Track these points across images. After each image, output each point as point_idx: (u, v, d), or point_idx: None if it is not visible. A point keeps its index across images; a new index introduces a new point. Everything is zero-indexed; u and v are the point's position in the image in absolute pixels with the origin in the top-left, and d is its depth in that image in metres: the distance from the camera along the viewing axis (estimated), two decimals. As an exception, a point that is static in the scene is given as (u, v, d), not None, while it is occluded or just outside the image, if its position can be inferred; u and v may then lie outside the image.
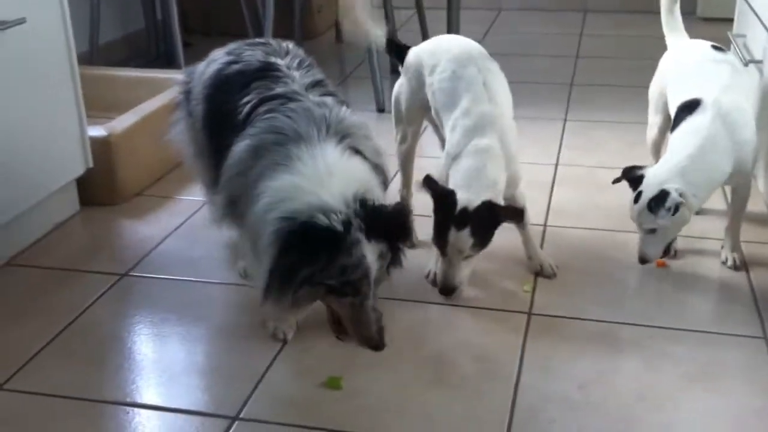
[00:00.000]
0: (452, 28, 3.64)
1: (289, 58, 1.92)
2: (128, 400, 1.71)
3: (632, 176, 2.09)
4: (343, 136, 1.70)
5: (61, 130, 2.36)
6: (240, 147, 1.73)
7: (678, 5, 2.42)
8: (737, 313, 1.96)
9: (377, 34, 2.26)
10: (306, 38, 4.22)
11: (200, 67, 2.03)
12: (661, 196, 1.98)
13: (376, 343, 1.63)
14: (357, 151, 1.71)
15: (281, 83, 1.82)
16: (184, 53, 3.47)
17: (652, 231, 2.03)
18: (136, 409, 1.69)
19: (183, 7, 4.32)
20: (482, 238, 1.92)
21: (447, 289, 1.96)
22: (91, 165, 2.47)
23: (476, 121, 1.98)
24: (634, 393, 1.69)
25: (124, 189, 2.57)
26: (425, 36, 4.23)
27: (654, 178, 2.02)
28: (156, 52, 4.01)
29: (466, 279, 1.98)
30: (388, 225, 1.62)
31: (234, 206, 1.76)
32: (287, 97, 1.78)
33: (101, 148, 2.48)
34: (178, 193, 2.63)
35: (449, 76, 2.07)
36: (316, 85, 1.86)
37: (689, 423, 1.61)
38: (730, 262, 2.14)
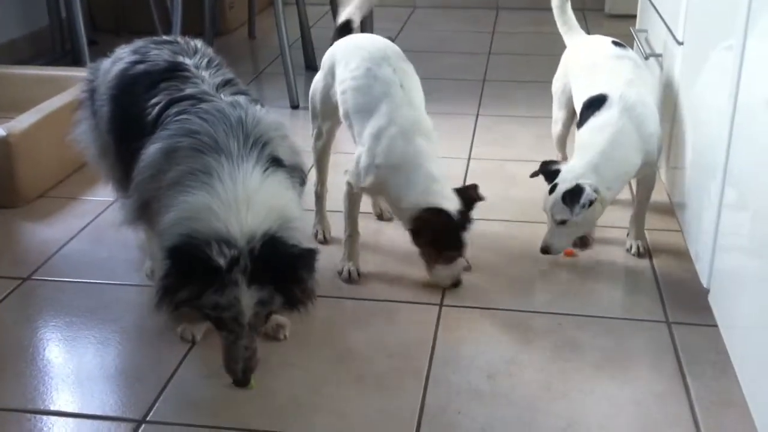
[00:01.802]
0: (366, 25, 3.63)
1: (198, 57, 1.87)
2: (30, 406, 1.66)
3: (548, 170, 2.12)
4: (263, 144, 1.64)
5: (-43, 131, 2.27)
6: (152, 150, 1.68)
7: (569, 3, 2.48)
8: (641, 299, 2.01)
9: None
10: (218, 35, 4.16)
11: (105, 64, 1.97)
12: (576, 191, 2.02)
13: (237, 379, 1.57)
14: (276, 161, 1.64)
15: (191, 84, 1.78)
16: (90, 51, 3.38)
17: (563, 223, 2.07)
18: (38, 416, 1.63)
19: (90, 5, 4.21)
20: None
21: None
22: (-11, 165, 2.38)
23: (404, 127, 1.97)
24: (542, 382, 1.72)
25: (26, 190, 2.49)
26: (339, 33, 4.23)
27: (569, 173, 2.06)
28: (61, 51, 3.90)
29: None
30: (281, 271, 1.53)
31: (145, 209, 1.71)
32: (198, 98, 1.73)
33: (0, 148, 2.40)
34: (82, 194, 2.56)
35: (363, 74, 2.04)
36: (226, 84, 1.81)
37: (594, 409, 1.65)
38: (634, 250, 2.19)
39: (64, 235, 2.31)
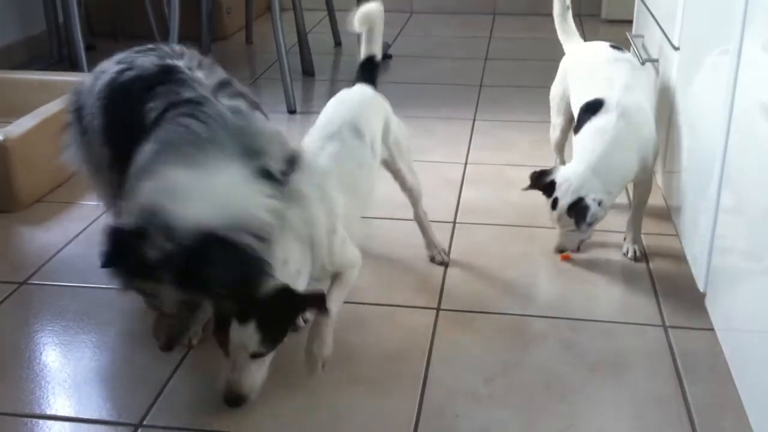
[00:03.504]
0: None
1: (187, 59, 1.82)
2: (27, 411, 1.65)
3: (543, 183, 2.12)
4: (257, 155, 1.61)
5: (-46, 135, 2.27)
6: (148, 149, 1.65)
7: (570, 12, 2.49)
8: (638, 303, 2.01)
9: None
10: (215, 40, 4.17)
11: (87, 82, 1.90)
12: (581, 210, 2.04)
13: (161, 347, 1.61)
14: (266, 173, 1.60)
15: (188, 87, 1.72)
16: (87, 56, 3.37)
17: (573, 230, 2.10)
18: (35, 420, 1.63)
19: (88, 10, 4.22)
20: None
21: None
22: (-14, 170, 2.38)
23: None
24: (539, 385, 1.72)
25: (22, 195, 2.48)
26: (336, 38, 4.25)
27: (567, 183, 2.07)
28: (59, 56, 3.90)
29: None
30: (208, 274, 1.47)
31: None
32: (198, 102, 1.68)
33: (-3, 153, 2.40)
34: (79, 199, 2.55)
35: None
36: (223, 85, 1.77)
37: (592, 412, 1.65)
38: (630, 254, 2.20)
39: (60, 240, 2.31)
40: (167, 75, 1.77)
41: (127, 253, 1.49)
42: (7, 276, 2.13)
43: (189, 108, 1.67)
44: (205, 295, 1.54)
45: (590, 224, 2.07)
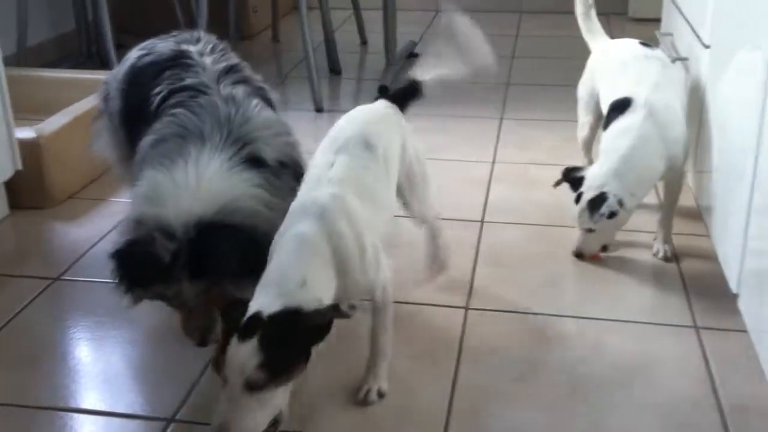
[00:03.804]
0: (389, 29, 3.65)
1: (202, 44, 1.89)
2: (61, 404, 1.68)
3: (572, 178, 2.13)
4: (245, 143, 1.63)
5: (-12, 132, 2.29)
6: (144, 144, 1.71)
7: (593, 10, 2.48)
8: (669, 304, 2.00)
9: None
10: (242, 39, 4.19)
11: (115, 69, 2.02)
12: (600, 200, 2.04)
13: (198, 343, 1.62)
14: (255, 161, 1.62)
15: (192, 72, 1.79)
16: (117, 54, 3.40)
17: (591, 230, 2.08)
18: (69, 414, 1.65)
19: (116, 8, 4.25)
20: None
21: None
22: (20, 167, 2.40)
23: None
24: (568, 385, 1.72)
25: (55, 192, 2.51)
26: (362, 36, 4.25)
27: (594, 180, 2.07)
28: (88, 53, 3.94)
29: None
30: (218, 259, 1.50)
31: None
32: (196, 89, 1.74)
33: (30, 150, 2.42)
34: (111, 196, 2.58)
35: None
36: (229, 71, 1.81)
37: (621, 413, 1.64)
38: (661, 254, 2.18)
39: (93, 236, 2.33)
40: (177, 59, 1.84)
41: (141, 265, 1.51)
42: (41, 272, 2.16)
43: (184, 96, 1.72)
44: (219, 284, 1.53)
45: (602, 217, 2.03)
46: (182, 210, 1.51)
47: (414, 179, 1.82)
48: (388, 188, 1.69)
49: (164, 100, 1.74)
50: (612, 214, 2.04)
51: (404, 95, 1.88)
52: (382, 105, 1.83)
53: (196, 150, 1.60)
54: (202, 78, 1.77)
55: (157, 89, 1.77)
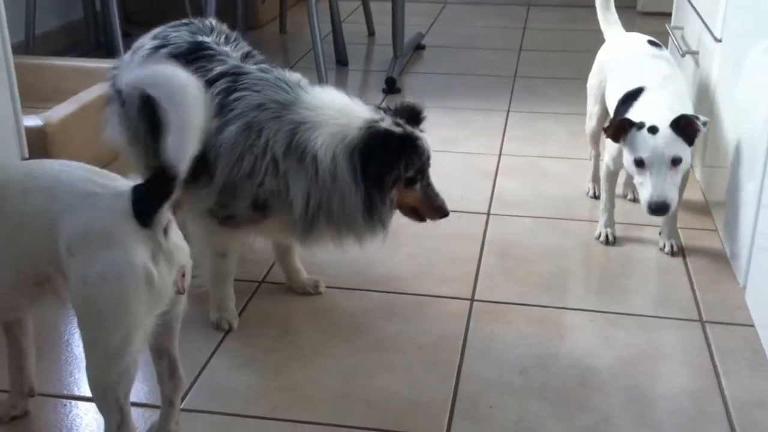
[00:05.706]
0: (397, 20, 3.64)
1: (215, 35, 1.90)
2: (66, 392, 1.68)
3: (624, 124, 1.98)
4: (302, 85, 1.77)
5: (-5, 120, 2.29)
6: (228, 133, 1.70)
7: (612, 1, 2.47)
8: (675, 298, 2.00)
9: None
10: (249, 28, 4.18)
11: (126, 57, 1.99)
12: (684, 119, 1.90)
13: (445, 210, 1.78)
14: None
15: (217, 61, 1.80)
16: (124, 43, 3.40)
17: (675, 163, 1.91)
18: (74, 402, 1.65)
19: (124, -2, 4.25)
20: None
21: None
22: (26, 155, 2.40)
23: None
24: (574, 377, 1.71)
25: (62, 180, 2.51)
26: (370, 27, 4.24)
27: (655, 109, 1.98)
28: (96, 42, 3.94)
29: None
30: (410, 113, 1.76)
31: (229, 192, 1.73)
32: (234, 73, 1.77)
33: (37, 138, 2.41)
34: (118, 184, 2.57)
35: None
36: (247, 56, 1.86)
37: (627, 406, 1.64)
38: (667, 249, 2.18)
39: (98, 224, 2.33)
40: (197, 52, 1.84)
41: (396, 142, 1.70)
42: (47, 259, 2.15)
43: (229, 80, 1.76)
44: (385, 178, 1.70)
45: (705, 126, 1.89)
46: (361, 110, 1.74)
47: None
48: None
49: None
50: (705, 124, 1.91)
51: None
52: None
53: (296, 106, 1.71)
54: (230, 62, 1.80)
55: None
